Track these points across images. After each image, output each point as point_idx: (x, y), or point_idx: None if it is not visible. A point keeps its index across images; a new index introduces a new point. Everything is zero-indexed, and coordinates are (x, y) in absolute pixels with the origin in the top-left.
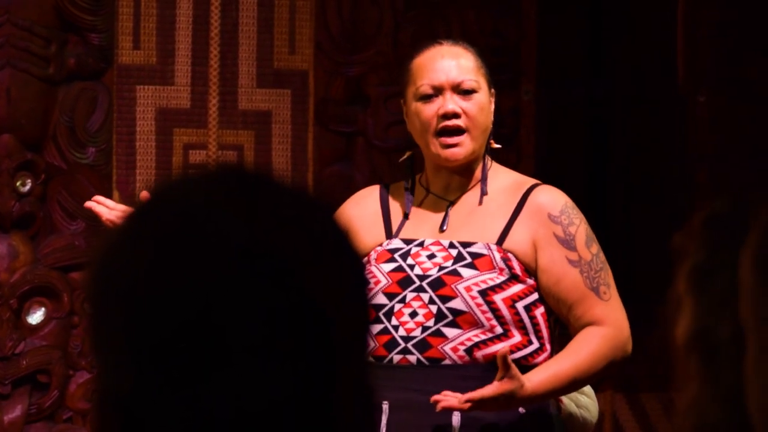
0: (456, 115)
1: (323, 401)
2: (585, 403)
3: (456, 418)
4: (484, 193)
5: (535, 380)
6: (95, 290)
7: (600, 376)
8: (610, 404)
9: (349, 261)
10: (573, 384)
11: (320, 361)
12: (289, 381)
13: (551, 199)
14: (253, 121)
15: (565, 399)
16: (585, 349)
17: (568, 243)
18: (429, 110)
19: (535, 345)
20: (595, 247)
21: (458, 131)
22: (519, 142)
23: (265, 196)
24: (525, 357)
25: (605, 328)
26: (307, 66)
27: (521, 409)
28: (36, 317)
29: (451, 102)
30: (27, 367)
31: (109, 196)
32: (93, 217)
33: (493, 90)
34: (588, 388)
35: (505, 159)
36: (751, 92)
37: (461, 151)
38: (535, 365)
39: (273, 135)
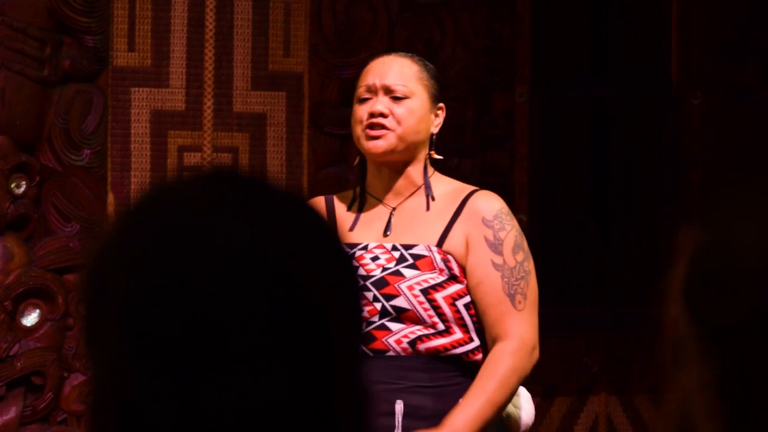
0: (383, 115)
1: (324, 398)
2: (521, 404)
3: (399, 406)
4: (431, 197)
5: (458, 425)
6: (91, 292)
7: (516, 390)
8: (605, 406)
9: (342, 260)
10: (496, 411)
11: (320, 358)
12: (291, 379)
13: (487, 204)
14: (247, 124)
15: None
16: (495, 377)
17: (495, 247)
18: (362, 110)
19: (476, 342)
20: (522, 256)
21: (382, 128)
22: (513, 143)
23: (260, 197)
24: (467, 353)
25: (509, 344)
26: (302, 68)
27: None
28: (30, 319)
29: (380, 103)
30: (21, 369)
31: (103, 198)
32: (88, 219)
33: (441, 105)
34: (521, 391)
35: (498, 161)
36: (744, 94)
37: (382, 143)
38: (476, 362)
39: (268, 137)
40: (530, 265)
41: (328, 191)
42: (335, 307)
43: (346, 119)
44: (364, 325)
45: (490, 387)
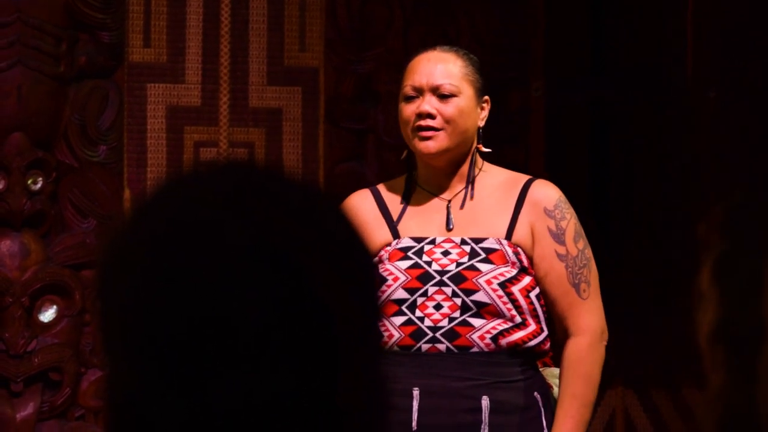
0: (431, 116)
1: (330, 395)
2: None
3: (485, 402)
4: (470, 196)
5: None
6: (101, 289)
7: (599, 380)
8: (622, 400)
9: (357, 255)
10: (591, 410)
11: (327, 356)
12: (298, 376)
13: (547, 193)
14: (263, 119)
15: (555, 387)
16: (580, 378)
17: (558, 237)
18: (409, 109)
19: (546, 332)
20: (582, 243)
21: (432, 129)
22: (528, 139)
23: (274, 192)
24: (539, 344)
25: (582, 339)
26: (318, 63)
27: (536, 394)
28: (48, 315)
29: (428, 104)
30: (39, 365)
31: (120, 194)
32: (104, 214)
33: (486, 97)
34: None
35: (513, 157)
36: (758, 89)
37: (434, 144)
38: (545, 352)
39: (284, 132)
40: (590, 252)
41: (344, 186)
42: (346, 305)
43: (362, 114)
44: (446, 321)
45: (580, 390)
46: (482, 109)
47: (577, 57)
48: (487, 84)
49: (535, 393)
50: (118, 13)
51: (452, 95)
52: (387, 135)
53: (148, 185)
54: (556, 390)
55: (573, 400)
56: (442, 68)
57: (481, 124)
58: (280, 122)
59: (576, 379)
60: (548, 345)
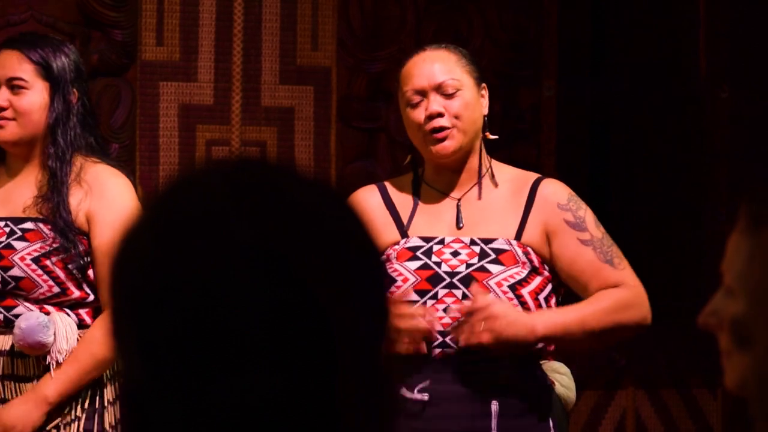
0: (440, 115)
1: (327, 397)
2: (567, 384)
3: (495, 406)
4: (479, 192)
5: (538, 321)
6: (111, 287)
7: (612, 335)
8: (632, 400)
9: (364, 256)
10: (583, 331)
11: (324, 358)
12: (294, 378)
13: (557, 190)
14: (275, 118)
15: (555, 383)
16: (601, 302)
17: (578, 225)
18: (417, 114)
19: None
20: (603, 229)
21: (444, 129)
22: (540, 137)
23: (282, 193)
24: (545, 345)
25: (624, 289)
26: (330, 62)
27: (542, 395)
28: None
29: (435, 103)
30: None
31: None
32: None
33: (484, 84)
34: (567, 371)
35: (525, 154)
36: (760, 88)
37: (450, 144)
38: (550, 351)
39: (296, 131)
40: (611, 239)
41: (355, 186)
42: (347, 308)
43: (373, 113)
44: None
45: (588, 309)
46: (482, 96)
47: (577, 56)
48: (482, 71)
49: (542, 394)
50: (130, 11)
51: (456, 90)
52: (399, 134)
53: (160, 184)
54: (557, 386)
55: (571, 311)
56: (439, 66)
57: (485, 112)
58: (292, 121)
59: (591, 302)
60: (553, 346)
